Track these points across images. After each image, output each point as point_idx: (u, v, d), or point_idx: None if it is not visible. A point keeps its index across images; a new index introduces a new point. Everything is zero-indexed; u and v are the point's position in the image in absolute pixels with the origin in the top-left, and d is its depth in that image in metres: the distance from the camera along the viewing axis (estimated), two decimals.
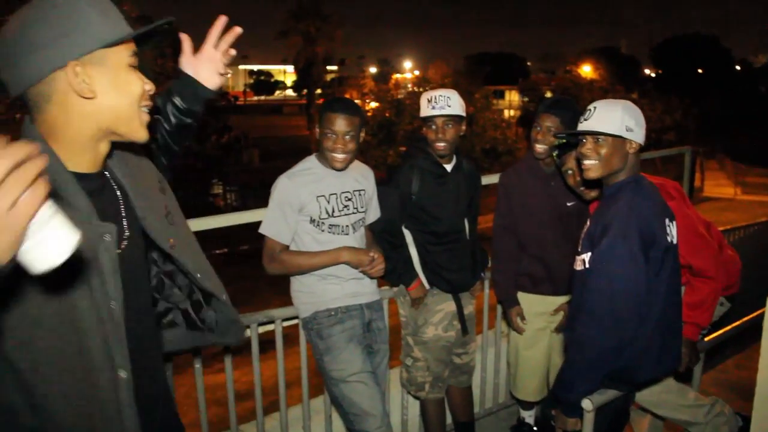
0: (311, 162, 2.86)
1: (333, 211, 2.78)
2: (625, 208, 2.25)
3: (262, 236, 2.80)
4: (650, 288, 2.27)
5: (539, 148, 3.18)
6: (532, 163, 3.29)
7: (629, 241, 2.20)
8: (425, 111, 3.08)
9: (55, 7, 1.26)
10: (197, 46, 1.88)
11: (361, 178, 2.95)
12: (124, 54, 1.34)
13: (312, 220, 2.76)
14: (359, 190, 2.90)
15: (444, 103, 3.04)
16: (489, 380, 3.87)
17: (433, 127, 3.07)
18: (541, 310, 3.34)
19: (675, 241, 2.37)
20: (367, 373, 2.79)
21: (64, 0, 1.27)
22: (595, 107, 2.36)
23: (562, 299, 3.28)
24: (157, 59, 13.61)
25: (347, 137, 2.74)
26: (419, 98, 3.23)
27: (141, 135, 1.39)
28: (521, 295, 3.35)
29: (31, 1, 1.28)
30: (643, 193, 2.33)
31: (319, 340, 2.79)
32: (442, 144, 3.07)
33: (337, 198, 2.80)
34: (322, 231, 2.78)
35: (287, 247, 2.79)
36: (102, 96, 1.31)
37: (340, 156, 2.76)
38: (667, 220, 2.34)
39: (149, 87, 1.39)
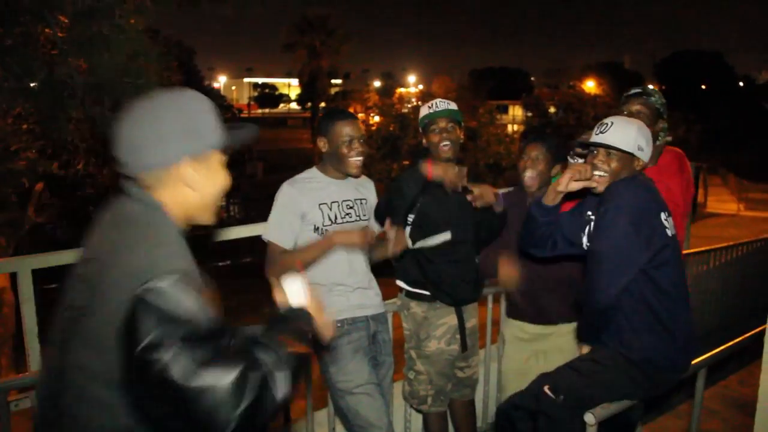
0: (313, 172, 2.96)
1: (336, 218, 2.85)
2: (626, 193, 2.40)
3: (266, 248, 2.84)
4: (650, 276, 2.40)
5: (528, 176, 3.20)
6: (520, 194, 3.32)
7: (628, 217, 2.35)
8: (425, 112, 3.15)
9: (182, 109, 1.48)
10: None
11: (362, 187, 3.04)
12: (220, 154, 1.56)
13: (316, 228, 2.81)
14: (360, 199, 2.98)
15: (445, 105, 3.13)
16: (491, 394, 3.87)
17: (436, 129, 3.10)
18: (521, 336, 3.34)
19: (673, 233, 2.46)
20: (372, 384, 2.80)
21: (191, 103, 1.50)
22: (612, 122, 2.49)
23: (544, 328, 3.26)
24: (164, 72, 13.68)
25: (361, 141, 2.86)
26: None
27: (211, 220, 1.61)
28: (506, 320, 3.44)
29: (160, 97, 1.48)
30: (642, 186, 2.46)
31: (325, 351, 2.81)
32: (447, 144, 3.09)
33: (338, 206, 2.88)
34: None
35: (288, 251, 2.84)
36: (202, 189, 1.52)
37: (359, 159, 2.86)
38: (664, 215, 2.45)
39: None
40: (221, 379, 1.27)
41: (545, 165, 3.17)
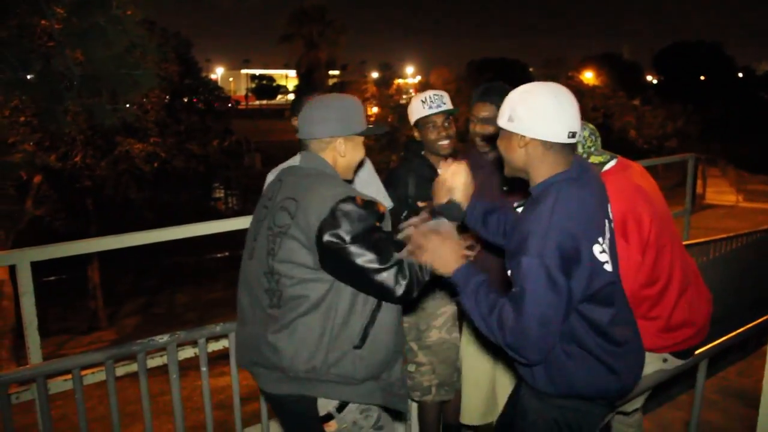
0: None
1: None
2: (545, 218, 1.90)
3: None
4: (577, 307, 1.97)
5: (480, 141, 3.07)
6: (475, 153, 3.14)
7: (546, 261, 1.85)
8: (420, 112, 3.08)
9: (343, 105, 2.24)
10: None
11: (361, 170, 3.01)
12: (362, 137, 2.30)
13: None
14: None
15: (439, 101, 3.07)
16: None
17: (433, 127, 3.08)
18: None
19: (612, 268, 1.99)
20: None
21: (349, 102, 2.27)
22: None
23: None
24: (162, 64, 13.60)
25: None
26: None
27: (350, 178, 2.35)
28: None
29: (333, 95, 2.30)
30: (571, 194, 1.96)
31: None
32: (446, 141, 3.08)
33: None
34: None
35: None
36: (347, 157, 2.26)
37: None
38: (599, 246, 1.95)
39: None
40: (388, 261, 2.01)
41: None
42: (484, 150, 3.10)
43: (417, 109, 3.10)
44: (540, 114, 1.95)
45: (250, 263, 2.20)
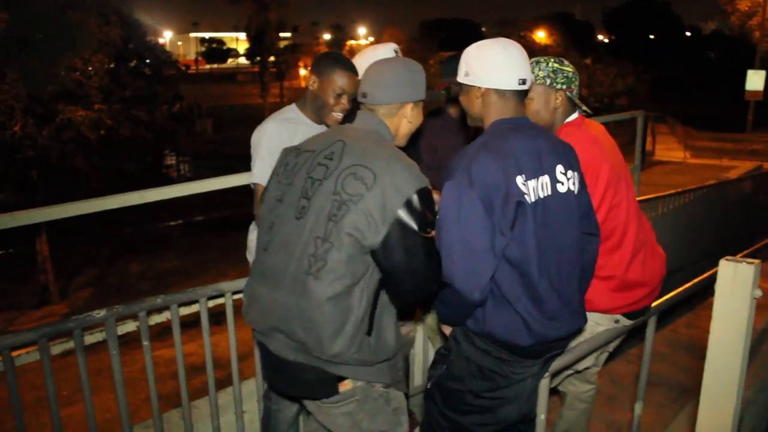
0: (295, 112, 2.83)
1: None
2: (471, 149, 2.06)
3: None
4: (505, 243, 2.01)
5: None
6: (444, 121, 3.54)
7: (462, 185, 1.99)
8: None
9: (413, 70, 2.19)
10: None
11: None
12: (422, 103, 2.24)
13: None
14: None
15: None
16: None
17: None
18: None
19: (533, 199, 2.04)
20: None
21: (416, 68, 2.20)
22: None
23: None
24: (102, 27, 13.09)
25: (351, 98, 2.72)
26: None
27: (403, 144, 2.25)
28: None
29: (401, 60, 2.29)
30: (505, 135, 2.09)
31: None
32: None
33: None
34: None
35: None
36: (413, 122, 2.21)
37: (339, 115, 2.74)
38: (522, 177, 2.02)
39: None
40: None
41: None
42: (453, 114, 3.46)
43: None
44: (491, 65, 2.14)
45: (297, 223, 2.00)
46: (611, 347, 2.79)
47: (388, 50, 2.95)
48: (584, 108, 2.63)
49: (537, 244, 2.05)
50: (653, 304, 2.69)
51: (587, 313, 2.35)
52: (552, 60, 2.51)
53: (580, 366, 2.77)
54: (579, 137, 2.48)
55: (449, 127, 3.46)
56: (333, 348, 1.93)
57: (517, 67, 2.14)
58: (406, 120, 2.18)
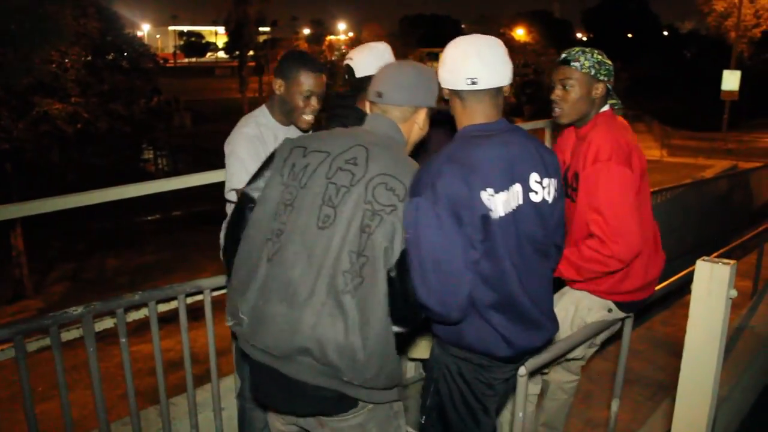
0: (265, 117, 2.71)
1: None
2: (435, 162, 1.91)
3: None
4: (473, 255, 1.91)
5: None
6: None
7: (430, 201, 1.83)
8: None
9: (430, 76, 2.07)
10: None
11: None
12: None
13: None
14: None
15: None
16: None
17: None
18: None
19: (503, 213, 1.91)
20: None
21: (431, 74, 2.08)
22: None
23: None
24: (79, 19, 12.90)
25: (320, 97, 2.65)
26: None
27: (408, 152, 2.13)
28: None
29: (418, 64, 2.14)
30: (466, 149, 1.95)
31: None
32: None
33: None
34: None
35: None
36: (422, 130, 2.12)
37: (311, 117, 2.68)
38: (490, 190, 1.88)
39: None
40: None
41: None
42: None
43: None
44: (444, 65, 2.07)
45: (321, 233, 1.82)
46: (599, 340, 2.80)
47: (386, 48, 2.96)
48: (617, 102, 2.69)
49: (510, 259, 1.95)
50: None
51: (581, 291, 2.39)
52: (596, 51, 2.55)
53: (571, 354, 2.77)
54: (616, 125, 2.59)
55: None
56: (367, 372, 1.81)
57: (468, 66, 1.99)
58: (417, 126, 2.09)
